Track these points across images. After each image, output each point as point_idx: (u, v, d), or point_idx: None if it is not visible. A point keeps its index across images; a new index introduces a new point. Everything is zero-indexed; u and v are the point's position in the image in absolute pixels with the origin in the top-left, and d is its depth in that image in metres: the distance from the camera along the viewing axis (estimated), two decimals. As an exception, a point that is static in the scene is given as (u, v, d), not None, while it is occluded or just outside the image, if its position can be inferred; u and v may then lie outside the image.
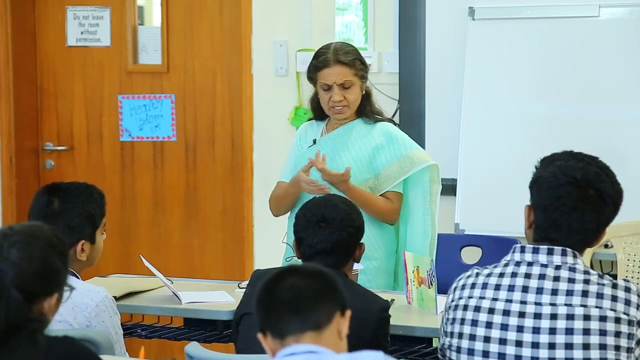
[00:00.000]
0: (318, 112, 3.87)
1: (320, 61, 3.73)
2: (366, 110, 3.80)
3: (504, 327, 2.49)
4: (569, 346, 2.43)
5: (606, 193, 2.51)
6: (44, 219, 2.86)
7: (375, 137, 3.78)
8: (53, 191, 3.08)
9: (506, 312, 2.50)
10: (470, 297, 2.56)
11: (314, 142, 3.83)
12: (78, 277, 3.04)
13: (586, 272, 2.51)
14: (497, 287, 2.53)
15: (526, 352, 2.46)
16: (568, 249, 2.52)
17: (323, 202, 3.09)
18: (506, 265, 2.57)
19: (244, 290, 3.25)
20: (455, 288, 2.63)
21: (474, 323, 2.53)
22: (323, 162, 3.66)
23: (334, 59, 3.70)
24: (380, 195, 3.75)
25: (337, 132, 3.82)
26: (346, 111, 3.75)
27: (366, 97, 3.80)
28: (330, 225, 3.01)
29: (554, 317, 2.45)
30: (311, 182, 3.65)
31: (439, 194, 3.84)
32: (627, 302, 2.47)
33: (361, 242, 3.10)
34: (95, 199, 3.10)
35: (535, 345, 2.45)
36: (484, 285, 2.55)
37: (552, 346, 2.44)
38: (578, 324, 2.44)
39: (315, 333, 2.08)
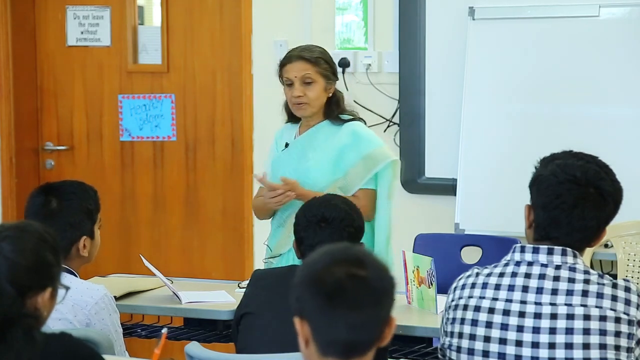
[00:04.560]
0: (292, 115, 3.91)
1: (285, 57, 3.83)
2: (334, 113, 3.83)
3: (504, 326, 2.49)
4: (569, 346, 2.43)
5: (606, 191, 2.51)
6: (43, 220, 2.84)
7: (342, 138, 3.80)
8: (48, 191, 3.10)
9: (506, 312, 2.50)
10: (470, 297, 2.56)
11: (286, 145, 3.88)
12: (76, 275, 3.04)
13: (586, 272, 2.51)
14: (497, 287, 2.53)
15: (526, 351, 2.46)
16: (568, 248, 2.52)
17: (323, 202, 3.10)
18: (506, 265, 2.57)
19: (244, 290, 3.25)
20: (455, 288, 2.63)
21: (474, 323, 2.53)
22: (264, 178, 3.73)
23: (297, 55, 3.79)
24: (352, 194, 3.75)
25: (306, 134, 3.85)
26: (307, 108, 3.79)
27: (335, 101, 3.83)
28: (331, 225, 3.01)
29: (554, 316, 2.45)
30: (270, 197, 3.69)
31: (394, 188, 3.86)
32: (627, 302, 2.47)
33: (361, 242, 3.10)
34: (90, 194, 3.13)
35: (535, 345, 2.45)
36: (484, 285, 2.55)
37: (552, 346, 2.44)
38: (578, 324, 2.44)
39: (359, 358, 1.93)
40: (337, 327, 1.89)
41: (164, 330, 2.49)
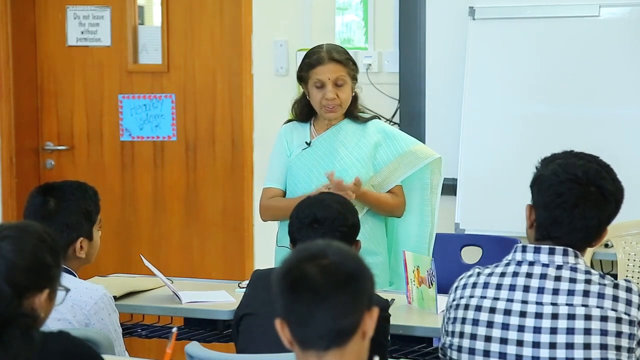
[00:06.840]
0: (305, 114, 3.86)
1: (314, 59, 3.75)
2: (354, 112, 3.83)
3: (505, 326, 2.49)
4: (569, 346, 2.43)
5: (607, 190, 2.51)
6: (41, 219, 2.84)
7: (372, 135, 3.82)
8: (48, 191, 3.09)
9: (507, 312, 2.50)
10: (471, 297, 2.56)
11: (308, 144, 3.83)
12: (75, 276, 3.04)
13: (587, 272, 2.51)
14: (499, 287, 2.53)
15: (527, 351, 2.46)
16: (569, 248, 2.52)
17: (315, 202, 3.09)
18: (507, 264, 2.57)
19: (244, 290, 3.24)
20: (456, 287, 2.63)
21: (475, 322, 2.53)
22: (333, 175, 3.62)
23: (329, 57, 3.73)
24: (388, 191, 3.80)
25: (330, 132, 3.83)
26: (338, 110, 3.77)
27: (354, 99, 3.82)
28: (323, 225, 3.00)
29: (555, 316, 2.45)
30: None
31: (440, 184, 3.88)
32: (629, 302, 2.47)
33: (357, 239, 3.09)
34: (90, 195, 3.12)
35: (536, 344, 2.45)
36: (485, 285, 2.55)
37: (553, 346, 2.44)
38: (579, 324, 2.44)
39: (339, 350, 1.94)
40: (306, 318, 1.92)
41: (175, 330, 2.50)
